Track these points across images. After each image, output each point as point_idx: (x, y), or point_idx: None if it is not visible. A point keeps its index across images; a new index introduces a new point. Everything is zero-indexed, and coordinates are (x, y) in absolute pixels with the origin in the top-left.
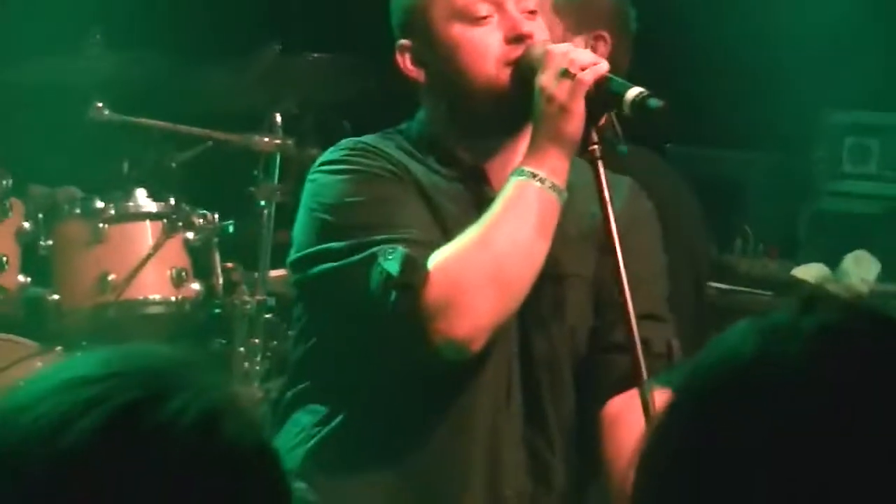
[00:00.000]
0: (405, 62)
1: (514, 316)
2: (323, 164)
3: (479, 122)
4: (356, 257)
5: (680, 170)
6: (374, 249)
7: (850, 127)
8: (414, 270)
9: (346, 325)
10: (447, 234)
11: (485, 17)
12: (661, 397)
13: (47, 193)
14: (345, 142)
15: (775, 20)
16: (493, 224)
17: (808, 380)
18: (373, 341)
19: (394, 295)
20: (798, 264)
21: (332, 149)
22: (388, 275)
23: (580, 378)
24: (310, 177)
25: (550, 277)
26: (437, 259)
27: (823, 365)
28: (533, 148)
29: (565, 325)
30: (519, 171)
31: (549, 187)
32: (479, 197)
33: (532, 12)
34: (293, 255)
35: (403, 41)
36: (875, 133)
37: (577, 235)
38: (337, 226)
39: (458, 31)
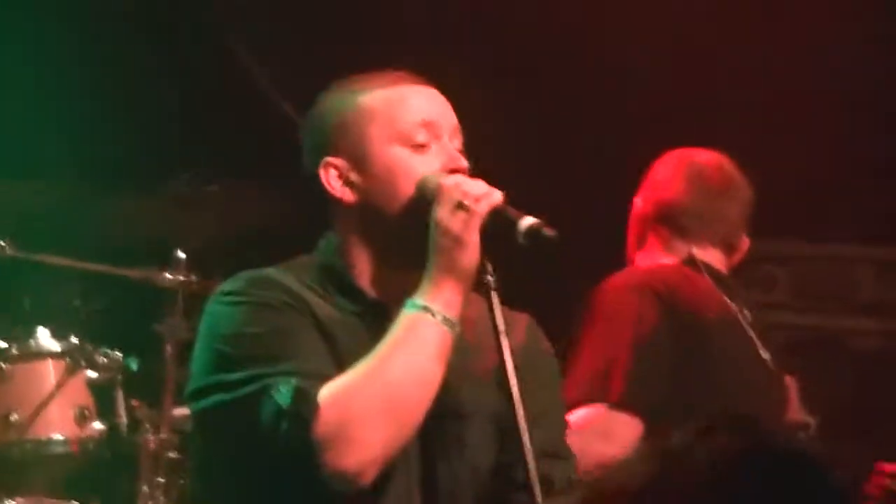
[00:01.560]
0: (329, 178)
1: (416, 448)
2: (220, 294)
3: (393, 249)
4: (248, 389)
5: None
6: (267, 381)
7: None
8: (305, 402)
9: (242, 457)
10: (343, 368)
11: (423, 145)
12: None
13: None
14: (243, 273)
15: None
16: (384, 356)
17: None
18: (267, 473)
19: (284, 427)
20: None
21: (229, 280)
22: (279, 407)
23: None
24: (207, 307)
25: (452, 415)
26: (328, 391)
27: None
28: (428, 280)
29: (467, 463)
30: (412, 304)
31: (442, 320)
32: (378, 332)
33: (461, 150)
34: (189, 386)
35: (331, 158)
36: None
37: (478, 372)
38: (231, 357)
39: (397, 154)
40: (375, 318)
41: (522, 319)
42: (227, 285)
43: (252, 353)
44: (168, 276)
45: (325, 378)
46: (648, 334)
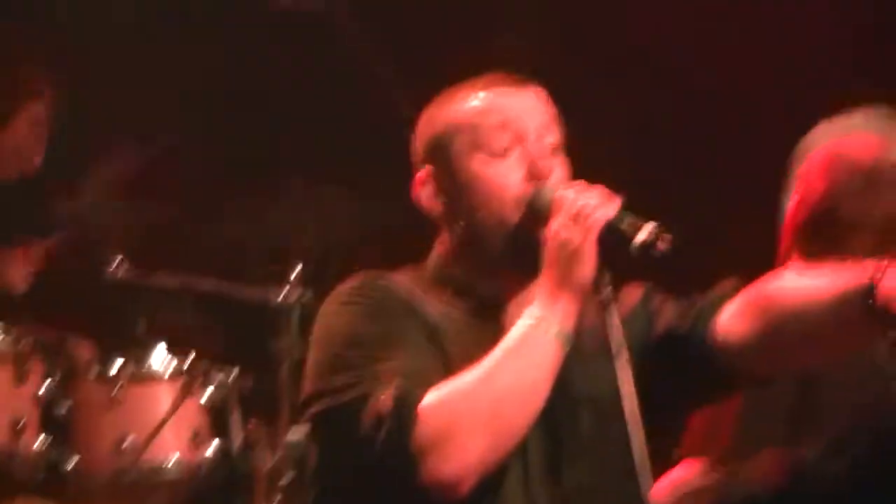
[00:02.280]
0: (422, 191)
1: (537, 444)
2: (332, 298)
3: (495, 257)
4: (352, 393)
5: None
6: (370, 387)
7: None
8: (405, 408)
9: (347, 466)
10: (451, 371)
11: (505, 150)
12: None
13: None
14: (356, 276)
15: None
16: (493, 366)
17: None
18: (370, 482)
19: (384, 432)
20: None
21: (345, 281)
22: (379, 412)
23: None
24: (320, 310)
25: (573, 400)
26: (432, 398)
27: None
28: (544, 292)
29: (592, 451)
30: (527, 315)
31: (556, 334)
32: (493, 331)
33: (555, 149)
34: (303, 392)
35: (424, 170)
36: None
37: (597, 355)
38: (338, 360)
39: (479, 163)
40: (490, 319)
41: (635, 296)
42: (338, 288)
43: (358, 356)
44: (283, 293)
45: (430, 383)
46: None
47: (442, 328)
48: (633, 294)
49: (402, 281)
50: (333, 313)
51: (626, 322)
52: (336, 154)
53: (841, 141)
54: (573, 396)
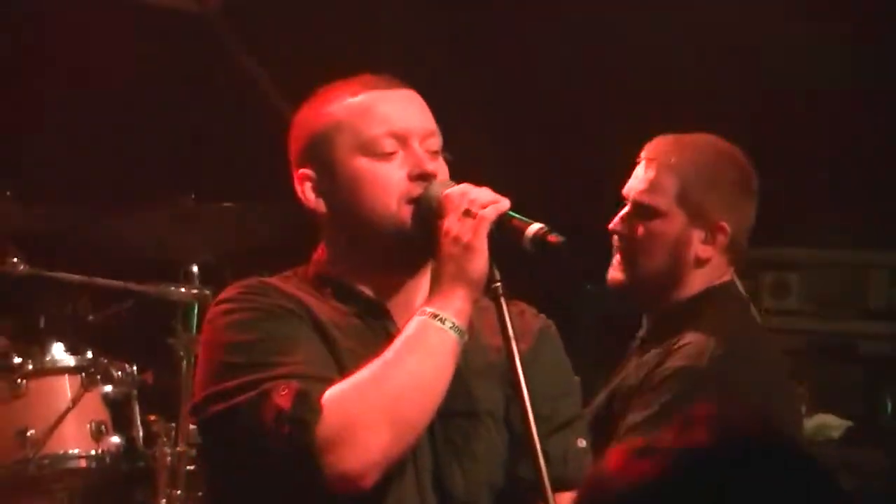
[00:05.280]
0: (304, 191)
1: (427, 448)
2: (218, 303)
3: (379, 256)
4: (247, 394)
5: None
6: (267, 386)
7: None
8: (306, 405)
9: (245, 465)
10: (345, 369)
11: (390, 154)
12: None
13: None
14: (240, 282)
15: None
16: (391, 362)
17: None
18: (270, 480)
19: (286, 429)
20: None
21: (228, 288)
22: (280, 409)
23: None
24: (207, 317)
25: (463, 414)
26: (331, 394)
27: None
28: (436, 288)
29: (479, 463)
30: (420, 311)
31: (451, 327)
32: (379, 332)
33: (435, 153)
34: (193, 399)
35: (304, 170)
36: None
37: (484, 371)
38: (230, 365)
39: (363, 164)
40: (376, 319)
41: (536, 324)
42: (223, 294)
43: (249, 359)
44: (182, 290)
45: (328, 381)
46: None
47: (329, 327)
48: (529, 316)
49: (285, 285)
50: (217, 321)
51: (519, 335)
52: (227, 170)
53: None
54: (451, 409)
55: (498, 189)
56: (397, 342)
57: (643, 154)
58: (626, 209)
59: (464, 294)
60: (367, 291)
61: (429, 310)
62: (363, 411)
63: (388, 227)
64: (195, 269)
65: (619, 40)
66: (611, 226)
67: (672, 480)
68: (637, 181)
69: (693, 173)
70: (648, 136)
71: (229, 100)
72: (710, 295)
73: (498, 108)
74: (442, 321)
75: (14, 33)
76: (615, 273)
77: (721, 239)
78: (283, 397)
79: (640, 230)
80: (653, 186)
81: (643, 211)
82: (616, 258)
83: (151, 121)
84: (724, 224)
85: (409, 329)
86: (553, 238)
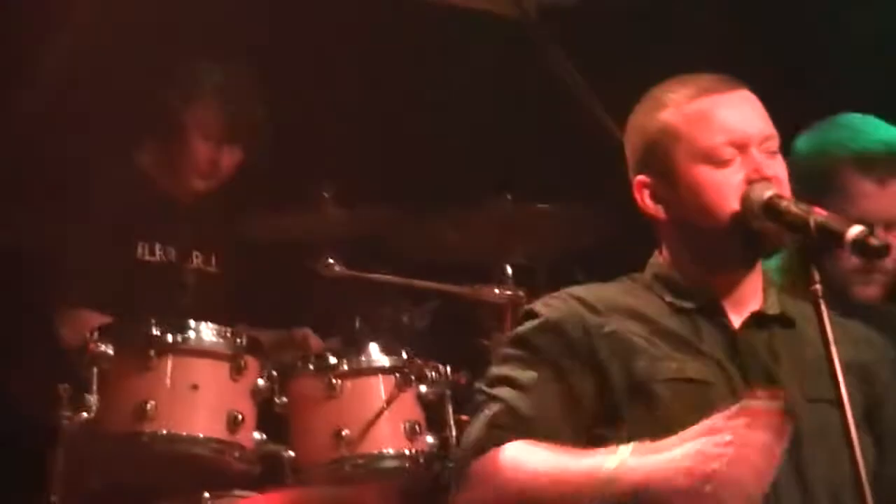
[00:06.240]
0: (643, 198)
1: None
2: (524, 316)
3: (717, 257)
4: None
5: None
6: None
7: None
8: (488, 441)
9: None
10: (687, 356)
11: (729, 160)
12: None
13: (282, 337)
14: (549, 297)
15: None
16: (561, 473)
17: None
18: None
19: (465, 443)
20: None
21: (537, 303)
22: (475, 428)
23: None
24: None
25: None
26: (512, 450)
27: None
28: (646, 470)
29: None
30: (612, 458)
31: (607, 481)
32: (715, 327)
33: (773, 153)
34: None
35: (642, 177)
36: None
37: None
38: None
39: (702, 172)
40: (712, 317)
41: (856, 328)
42: (533, 306)
43: (496, 378)
44: (496, 291)
45: (527, 431)
46: None
47: (658, 319)
48: (869, 335)
49: (605, 291)
50: (499, 354)
51: (853, 344)
52: (545, 171)
53: None
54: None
55: None
56: (569, 464)
57: None
58: None
59: (645, 483)
60: (705, 290)
61: (614, 462)
62: (507, 488)
63: (727, 229)
64: (509, 270)
65: None
66: None
67: None
68: None
69: None
70: None
71: (545, 102)
72: None
73: None
74: (612, 481)
75: (322, 43)
76: None
77: None
78: (482, 416)
79: None
80: None
81: None
82: None
83: (467, 122)
84: None
85: (588, 463)
86: (873, 240)
